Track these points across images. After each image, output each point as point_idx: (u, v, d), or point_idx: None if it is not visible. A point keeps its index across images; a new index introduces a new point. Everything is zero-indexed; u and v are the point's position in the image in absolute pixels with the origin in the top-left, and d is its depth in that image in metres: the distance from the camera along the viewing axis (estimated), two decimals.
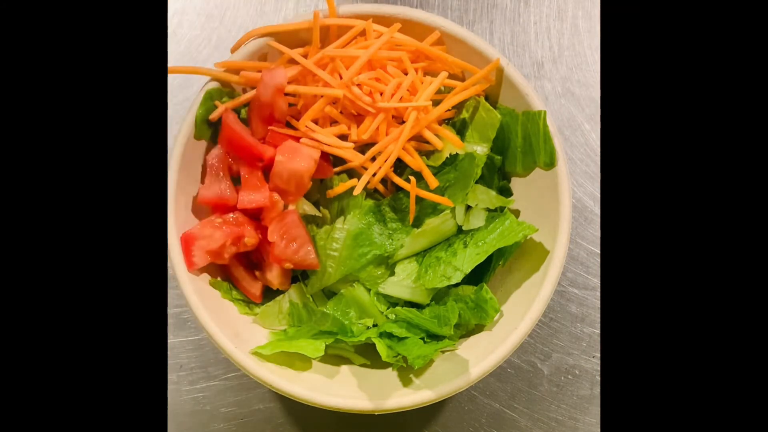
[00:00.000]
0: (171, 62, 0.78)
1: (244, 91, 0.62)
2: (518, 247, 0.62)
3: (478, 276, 0.62)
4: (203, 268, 0.61)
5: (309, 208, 0.62)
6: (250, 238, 0.61)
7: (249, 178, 0.61)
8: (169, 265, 0.60)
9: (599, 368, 0.73)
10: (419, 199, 0.60)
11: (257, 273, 0.64)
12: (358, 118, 0.61)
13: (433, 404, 0.58)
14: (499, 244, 0.59)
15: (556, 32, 0.80)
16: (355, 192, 0.59)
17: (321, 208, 0.63)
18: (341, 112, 0.61)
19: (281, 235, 0.60)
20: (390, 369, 0.61)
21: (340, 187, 0.60)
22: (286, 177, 0.59)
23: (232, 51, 0.62)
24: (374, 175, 0.59)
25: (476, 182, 0.61)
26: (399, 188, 0.61)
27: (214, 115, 0.61)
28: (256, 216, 0.62)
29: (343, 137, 0.60)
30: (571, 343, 0.74)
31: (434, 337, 0.61)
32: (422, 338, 0.60)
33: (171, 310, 0.73)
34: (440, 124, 0.62)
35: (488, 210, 0.62)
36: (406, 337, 0.60)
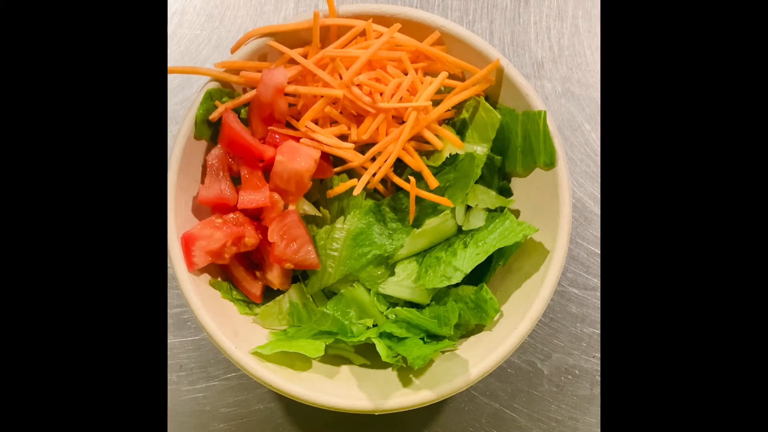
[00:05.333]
0: (171, 62, 0.78)
1: (244, 91, 0.62)
2: (518, 247, 0.62)
3: (478, 276, 0.62)
4: (203, 269, 0.61)
5: (309, 208, 0.62)
6: (251, 239, 0.61)
7: (249, 178, 0.61)
8: (169, 265, 0.60)
9: (599, 368, 0.73)
10: (419, 200, 0.60)
11: (258, 273, 0.64)
12: (358, 118, 0.61)
13: (433, 404, 0.58)
14: (499, 244, 0.59)
15: (556, 32, 0.80)
16: (355, 192, 0.59)
17: (321, 208, 0.63)
18: (341, 113, 0.61)
19: (281, 236, 0.60)
20: (390, 369, 0.61)
21: (340, 187, 0.60)
22: (287, 177, 0.59)
23: (232, 51, 0.62)
24: (374, 175, 0.59)
25: (476, 182, 0.61)
26: (399, 188, 0.61)
27: (214, 115, 0.61)
28: (256, 216, 0.62)
29: (343, 137, 0.60)
30: (571, 343, 0.74)
31: (434, 337, 0.61)
32: (422, 338, 0.60)
33: (171, 310, 0.73)
34: (440, 124, 0.62)
35: (488, 210, 0.62)
36: (406, 338, 0.60)
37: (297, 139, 0.60)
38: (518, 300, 0.60)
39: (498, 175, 0.65)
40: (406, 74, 0.61)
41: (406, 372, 0.60)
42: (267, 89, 0.59)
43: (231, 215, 0.61)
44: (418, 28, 0.62)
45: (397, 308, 0.62)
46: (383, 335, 0.60)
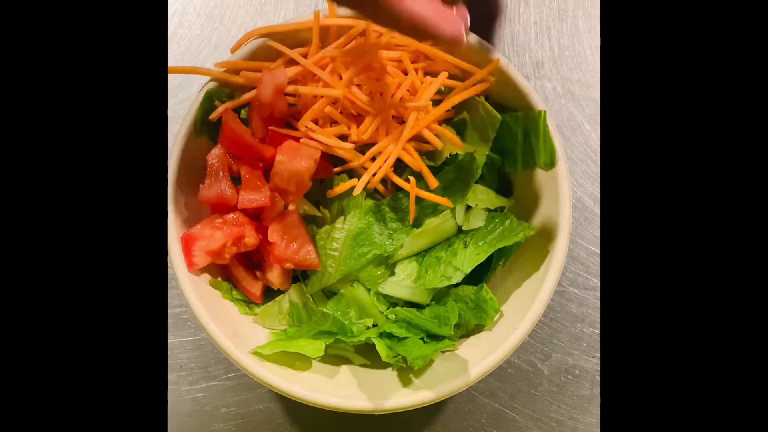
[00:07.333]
0: (171, 62, 0.78)
1: (244, 91, 0.62)
2: (518, 247, 0.62)
3: (478, 276, 0.62)
4: (203, 269, 0.61)
5: (309, 208, 0.62)
6: (251, 239, 0.61)
7: (249, 178, 0.61)
8: (169, 265, 0.60)
9: (599, 368, 0.73)
10: (419, 200, 0.60)
11: (258, 273, 0.64)
12: (358, 118, 0.61)
13: (433, 404, 0.58)
14: (499, 244, 0.59)
15: (556, 32, 0.80)
16: (355, 192, 0.59)
17: (321, 208, 0.63)
18: (341, 112, 0.61)
19: (281, 236, 0.60)
20: (390, 369, 0.61)
21: (340, 187, 0.60)
22: (287, 177, 0.59)
23: (232, 51, 0.62)
24: (374, 175, 0.59)
25: (476, 182, 0.61)
26: (399, 188, 0.61)
27: (214, 115, 0.61)
28: (256, 216, 0.62)
29: (343, 137, 0.60)
30: (571, 343, 0.74)
31: (434, 337, 0.61)
32: (422, 338, 0.60)
33: (171, 310, 0.73)
34: (440, 124, 0.62)
35: (488, 210, 0.62)
36: (405, 338, 0.60)
37: (297, 139, 0.60)
38: (518, 300, 0.60)
39: (498, 175, 0.65)
40: (406, 74, 0.61)
41: (406, 372, 0.60)
42: (267, 89, 0.59)
43: (231, 215, 0.61)
44: None
45: (397, 308, 0.62)
46: (383, 335, 0.60)
